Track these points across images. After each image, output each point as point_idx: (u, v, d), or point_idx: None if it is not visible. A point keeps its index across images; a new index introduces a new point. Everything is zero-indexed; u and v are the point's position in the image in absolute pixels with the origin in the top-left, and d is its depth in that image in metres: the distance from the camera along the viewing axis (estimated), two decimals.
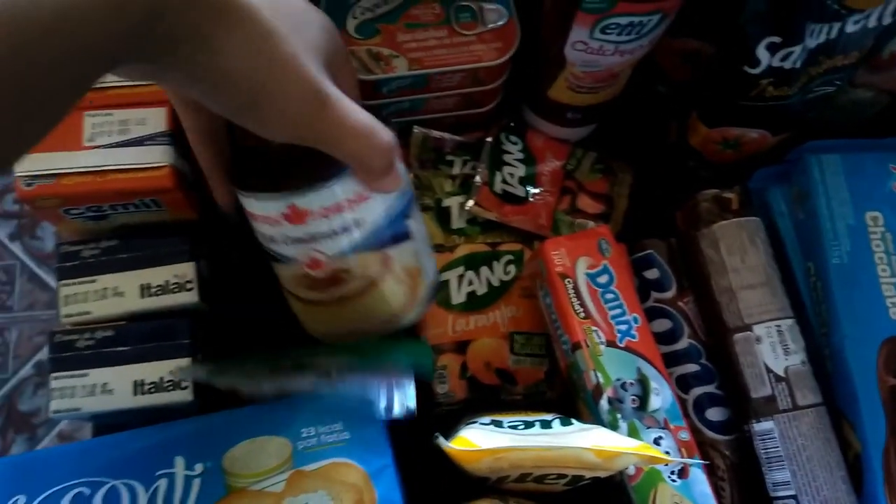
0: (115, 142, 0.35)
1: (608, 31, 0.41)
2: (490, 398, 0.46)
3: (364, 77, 0.44)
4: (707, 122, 0.46)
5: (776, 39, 0.38)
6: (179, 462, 0.32)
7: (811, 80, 0.42)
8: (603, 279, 0.41)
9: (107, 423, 0.39)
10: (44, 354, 1.34)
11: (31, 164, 0.35)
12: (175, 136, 0.36)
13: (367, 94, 0.46)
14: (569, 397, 0.46)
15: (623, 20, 0.40)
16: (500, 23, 0.46)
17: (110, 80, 0.37)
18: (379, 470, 0.32)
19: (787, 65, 0.39)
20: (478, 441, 0.32)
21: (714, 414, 0.43)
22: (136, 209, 0.37)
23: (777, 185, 0.48)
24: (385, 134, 0.30)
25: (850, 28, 0.39)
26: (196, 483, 0.31)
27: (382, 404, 0.33)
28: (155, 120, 0.36)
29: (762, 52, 0.39)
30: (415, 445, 0.40)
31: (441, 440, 0.32)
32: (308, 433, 0.33)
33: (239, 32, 0.24)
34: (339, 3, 0.46)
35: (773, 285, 0.43)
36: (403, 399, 0.34)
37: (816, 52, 0.40)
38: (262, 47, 0.25)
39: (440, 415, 0.46)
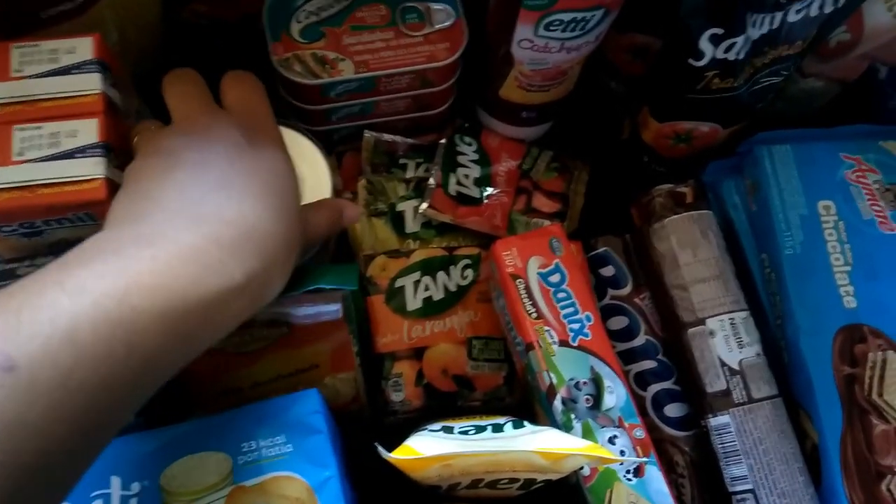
0: (46, 155, 0.34)
1: (552, 27, 0.40)
2: (447, 405, 0.46)
3: (309, 81, 0.44)
4: (658, 117, 0.46)
5: (718, 31, 0.38)
6: (115, 482, 0.31)
7: (757, 71, 0.42)
8: (555, 278, 0.41)
9: None
10: None
11: None
12: (108, 147, 0.35)
13: (315, 98, 0.45)
14: (527, 403, 0.46)
15: (566, 16, 0.39)
16: (448, 23, 0.46)
17: (39, 92, 0.36)
18: (323, 482, 0.32)
19: (731, 56, 0.39)
20: (423, 449, 0.31)
21: (672, 410, 0.43)
22: (71, 224, 0.36)
23: (730, 178, 0.48)
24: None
25: (793, 17, 0.39)
26: (133, 503, 0.30)
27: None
28: (86, 131, 0.35)
29: (705, 44, 0.39)
30: (368, 454, 0.40)
31: (381, 450, 0.31)
32: (249, 447, 0.32)
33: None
34: (283, 7, 0.45)
35: (726, 278, 0.42)
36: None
37: (760, 42, 0.40)
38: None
39: (395, 423, 0.46)
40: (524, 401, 0.46)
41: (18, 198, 0.34)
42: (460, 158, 0.50)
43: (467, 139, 0.51)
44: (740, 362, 0.40)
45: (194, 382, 0.39)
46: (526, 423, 0.36)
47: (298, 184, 0.35)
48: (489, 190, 0.50)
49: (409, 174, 0.50)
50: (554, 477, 0.35)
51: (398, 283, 0.46)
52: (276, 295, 0.31)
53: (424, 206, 0.48)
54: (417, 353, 0.46)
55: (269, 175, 0.33)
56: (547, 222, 0.49)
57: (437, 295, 0.47)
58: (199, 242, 0.28)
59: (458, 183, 0.49)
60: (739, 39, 0.39)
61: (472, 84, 0.50)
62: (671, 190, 0.46)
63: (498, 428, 0.36)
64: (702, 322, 0.41)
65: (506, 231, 0.49)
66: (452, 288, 0.47)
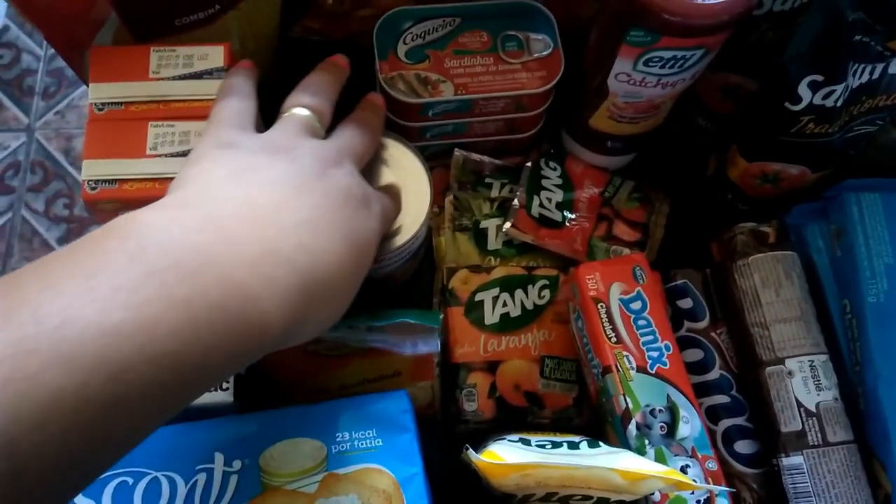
0: (176, 151, 0.37)
1: (651, 63, 0.42)
2: (517, 419, 0.47)
3: (411, 100, 0.46)
4: (747, 157, 0.47)
5: (818, 78, 0.39)
6: (219, 458, 0.33)
7: (852, 119, 0.42)
8: (636, 305, 0.42)
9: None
10: None
11: (97, 169, 0.37)
12: None
13: (413, 116, 0.47)
14: (596, 426, 0.47)
15: (666, 54, 0.41)
16: (546, 53, 0.48)
17: (174, 93, 0.39)
18: (409, 478, 0.33)
19: (829, 103, 0.40)
20: (507, 456, 0.33)
21: (743, 447, 0.43)
22: None
23: (814, 222, 0.48)
24: None
25: (894, 69, 0.39)
26: (233, 479, 0.33)
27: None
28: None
29: (804, 90, 0.40)
30: (441, 459, 0.41)
31: (471, 452, 0.32)
32: (342, 437, 0.34)
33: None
34: (392, 29, 0.48)
35: (808, 320, 0.43)
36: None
37: (858, 91, 0.40)
38: None
39: (467, 432, 0.47)
40: (592, 423, 0.47)
41: (150, 188, 0.37)
42: (544, 182, 0.52)
43: (552, 164, 0.53)
44: (817, 405, 0.41)
45: (286, 380, 0.42)
46: (601, 443, 0.37)
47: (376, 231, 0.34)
48: (571, 214, 0.51)
49: (494, 193, 0.51)
50: (628, 498, 0.35)
51: (478, 297, 0.48)
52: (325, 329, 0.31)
53: (508, 225, 0.49)
54: (492, 367, 0.47)
55: (358, 224, 0.31)
56: (626, 250, 0.50)
57: (515, 312, 0.48)
58: (250, 283, 0.25)
59: (541, 205, 0.51)
60: (839, 87, 0.39)
61: (561, 110, 0.52)
62: (754, 229, 0.46)
63: (574, 445, 0.37)
64: (781, 362, 0.42)
65: (585, 256, 0.50)
66: (529, 306, 0.48)
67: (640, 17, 0.39)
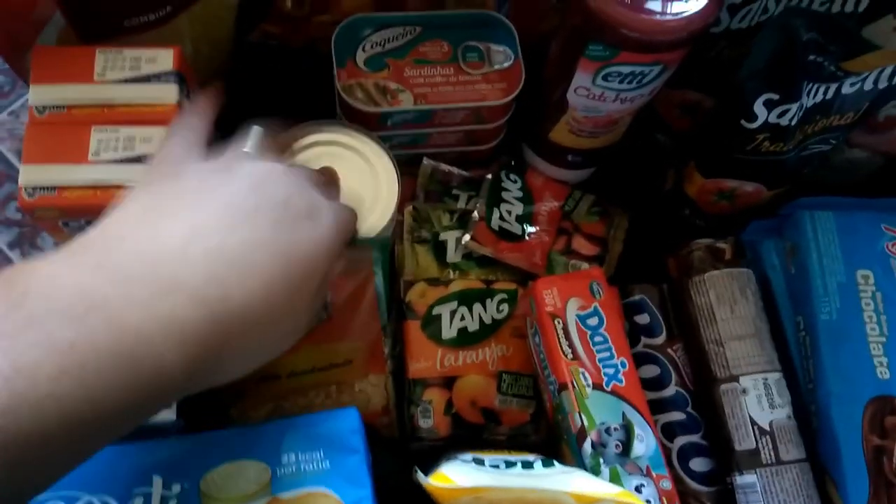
0: (120, 157, 0.36)
1: (610, 78, 0.42)
2: (473, 437, 0.46)
3: (370, 109, 0.45)
4: (704, 173, 0.47)
5: (774, 96, 0.39)
6: (157, 482, 0.31)
7: (807, 138, 0.43)
8: (593, 321, 0.41)
9: None
10: None
11: (36, 175, 0.36)
12: None
13: (372, 125, 0.47)
14: (553, 442, 0.46)
15: (625, 69, 0.41)
16: (507, 64, 0.47)
17: (119, 97, 0.37)
18: (357, 501, 0.32)
19: (784, 121, 0.40)
20: (457, 478, 0.32)
21: (698, 464, 0.43)
22: None
23: (770, 238, 0.49)
24: None
25: (847, 90, 0.40)
26: None
27: None
28: (159, 137, 0.36)
29: (759, 108, 0.40)
30: (396, 476, 0.40)
31: (420, 475, 0.31)
32: (288, 459, 0.33)
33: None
34: (351, 36, 0.47)
35: (762, 338, 0.43)
36: None
37: (813, 110, 0.41)
38: None
39: (421, 449, 0.46)
40: (549, 440, 0.47)
41: (91, 196, 0.35)
42: (504, 195, 0.51)
43: (513, 176, 0.52)
44: (771, 423, 0.41)
45: None
46: (556, 462, 0.37)
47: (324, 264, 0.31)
48: (531, 228, 0.51)
49: (461, 205, 0.51)
50: None
51: (435, 311, 0.47)
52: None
53: (467, 237, 0.49)
54: (448, 382, 0.46)
55: (305, 255, 0.29)
56: (585, 265, 0.50)
57: (472, 326, 0.47)
58: (144, 324, 0.24)
59: (501, 218, 0.50)
60: (794, 106, 0.40)
61: (521, 123, 0.52)
62: (710, 245, 0.47)
63: (528, 465, 0.36)
64: (735, 379, 0.42)
65: (544, 269, 0.49)
66: (487, 321, 0.48)
67: (599, 32, 0.39)
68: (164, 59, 0.38)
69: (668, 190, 0.52)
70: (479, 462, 0.36)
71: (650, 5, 0.37)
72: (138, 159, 0.36)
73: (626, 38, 0.38)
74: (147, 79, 0.38)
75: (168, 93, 0.37)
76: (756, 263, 0.48)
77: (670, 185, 0.51)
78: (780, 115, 0.40)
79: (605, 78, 0.42)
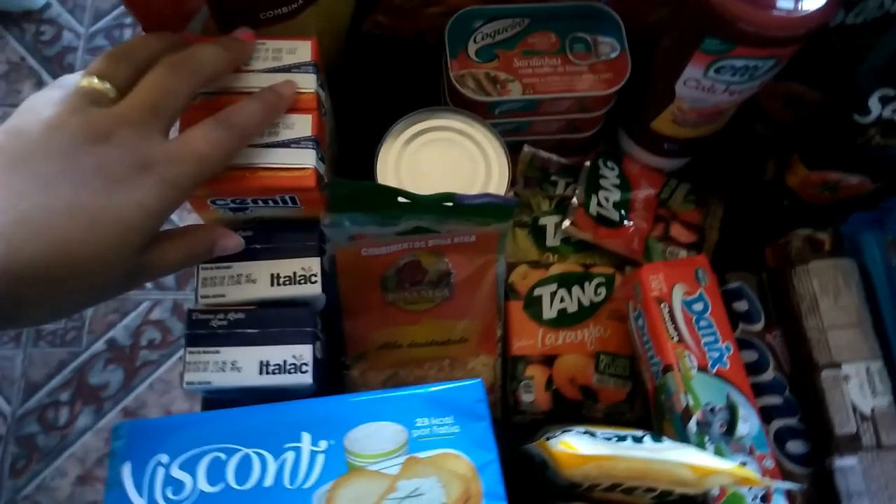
0: (266, 142, 0.39)
1: (722, 71, 0.43)
2: (572, 412, 0.48)
3: (480, 98, 0.47)
4: (808, 165, 0.47)
5: (890, 92, 0.40)
6: (306, 437, 0.35)
7: None
8: (698, 307, 0.43)
9: (219, 400, 0.42)
10: (116, 332, 1.41)
11: None
12: (318, 141, 0.39)
13: (481, 114, 0.49)
14: (646, 421, 0.48)
15: (738, 63, 0.42)
16: (613, 55, 0.49)
17: (263, 84, 0.40)
18: (485, 464, 0.35)
19: None
20: (581, 447, 0.34)
21: (794, 447, 0.45)
22: (275, 205, 0.40)
23: (870, 231, 0.49)
24: None
25: None
26: (320, 458, 0.34)
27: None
28: (302, 125, 0.39)
29: (874, 103, 0.41)
30: (499, 448, 0.43)
31: (552, 441, 0.34)
32: (422, 423, 0.35)
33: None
34: (464, 28, 0.49)
35: (865, 327, 0.44)
36: None
37: None
38: None
39: (521, 423, 0.49)
40: (643, 419, 0.48)
41: (240, 177, 0.38)
42: (602, 181, 0.53)
43: (610, 163, 0.54)
44: (872, 409, 0.42)
45: (361, 330, 0.45)
46: (664, 438, 0.39)
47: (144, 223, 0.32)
48: (628, 214, 0.52)
49: (559, 191, 0.53)
50: (691, 492, 0.37)
51: (536, 293, 0.50)
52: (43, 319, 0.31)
53: (567, 223, 0.51)
54: (548, 361, 0.48)
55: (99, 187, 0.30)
56: (683, 252, 0.51)
57: (572, 308, 0.50)
58: None
59: (599, 204, 0.52)
60: None
61: (621, 111, 0.53)
62: (810, 236, 0.47)
63: (638, 439, 0.38)
64: (838, 366, 0.43)
65: (642, 256, 0.51)
66: (586, 303, 0.50)
67: (718, 26, 0.40)
68: (303, 50, 0.41)
69: (768, 180, 0.52)
70: (592, 435, 0.38)
71: (769, 1, 0.38)
72: (283, 144, 0.39)
73: (744, 33, 0.39)
74: (288, 68, 0.40)
75: (308, 82, 0.40)
76: (855, 255, 0.49)
77: (770, 175, 0.52)
78: (895, 111, 0.41)
79: (717, 71, 0.43)
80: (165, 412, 1.36)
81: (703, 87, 0.45)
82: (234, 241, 0.39)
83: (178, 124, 0.37)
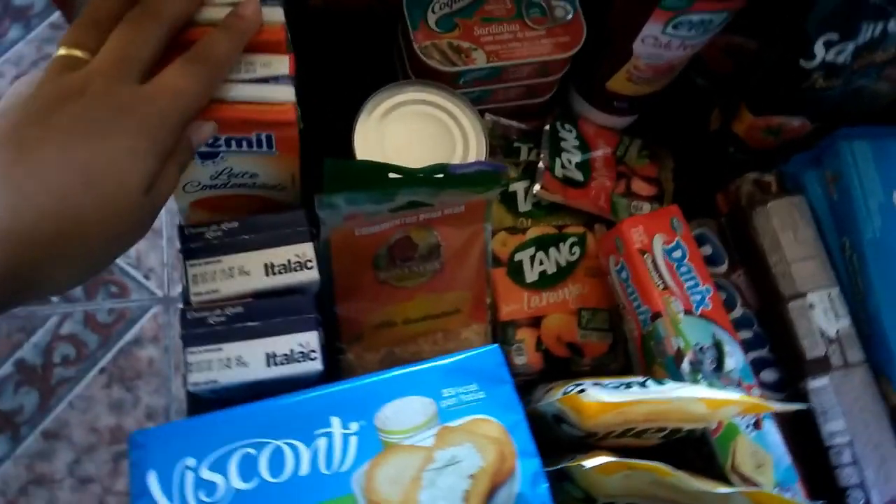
0: (244, 78, 0.36)
1: (680, 27, 0.45)
2: (561, 369, 0.50)
3: (448, 69, 0.47)
4: (754, 111, 0.51)
5: (833, 37, 0.43)
6: (335, 421, 0.34)
7: (853, 74, 0.47)
8: (677, 254, 0.45)
9: (225, 399, 0.41)
10: (24, 352, 1.31)
11: None
12: (294, 80, 0.38)
13: (446, 84, 0.48)
14: (629, 370, 0.50)
15: (696, 17, 0.44)
16: (568, 17, 0.50)
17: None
18: (514, 424, 0.36)
19: (840, 60, 0.44)
20: (601, 396, 0.36)
21: (767, 375, 0.48)
22: (249, 148, 0.38)
23: (810, 169, 0.53)
24: None
25: (892, 27, 0.44)
26: (353, 440, 0.34)
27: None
28: (279, 64, 0.37)
29: (819, 48, 0.44)
30: None
31: (575, 393, 0.35)
32: (448, 393, 0.36)
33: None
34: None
35: (822, 258, 0.48)
36: None
37: (862, 48, 0.45)
38: None
39: (517, 385, 0.50)
40: (626, 366, 0.51)
41: (217, 108, 0.36)
42: (563, 144, 0.54)
43: (567, 126, 0.55)
44: (837, 332, 0.46)
45: (356, 312, 0.44)
46: (667, 380, 0.41)
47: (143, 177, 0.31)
48: (590, 174, 0.54)
49: (522, 158, 0.53)
50: (701, 426, 0.39)
51: (517, 258, 0.50)
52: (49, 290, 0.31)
53: (537, 187, 0.52)
54: (535, 322, 0.50)
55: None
56: (647, 205, 0.54)
57: (551, 269, 0.51)
58: None
59: (563, 167, 0.53)
60: (849, 45, 0.44)
61: (573, 73, 0.54)
62: (757, 178, 0.51)
63: (642, 385, 0.40)
64: (803, 296, 0.46)
65: (610, 213, 0.53)
66: (563, 263, 0.51)
67: None
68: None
69: (714, 130, 0.55)
70: (602, 386, 0.40)
71: None
72: (261, 80, 0.37)
73: None
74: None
75: (275, 14, 0.38)
76: (799, 193, 0.53)
77: (716, 125, 0.55)
78: (837, 54, 0.44)
79: (675, 27, 0.45)
80: (91, 430, 1.29)
81: (660, 44, 0.46)
82: (207, 127, 0.36)
83: None
